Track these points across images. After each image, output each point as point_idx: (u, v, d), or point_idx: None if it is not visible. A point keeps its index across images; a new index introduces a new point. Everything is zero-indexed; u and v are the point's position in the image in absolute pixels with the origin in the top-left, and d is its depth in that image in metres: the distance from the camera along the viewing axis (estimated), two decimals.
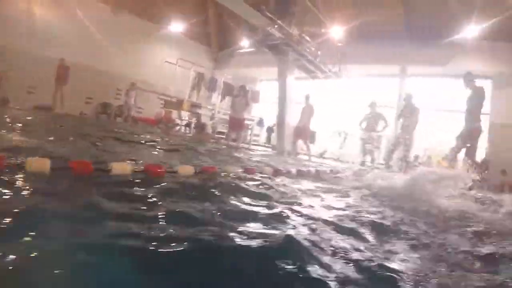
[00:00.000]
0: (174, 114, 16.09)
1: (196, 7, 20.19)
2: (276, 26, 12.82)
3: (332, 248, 1.88)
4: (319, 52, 14.79)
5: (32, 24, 14.81)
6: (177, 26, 18.63)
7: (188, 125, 16.14)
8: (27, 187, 2.06)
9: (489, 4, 13.46)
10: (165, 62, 13.95)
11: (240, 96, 12.16)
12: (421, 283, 1.62)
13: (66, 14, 15.76)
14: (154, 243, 1.51)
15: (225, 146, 10.66)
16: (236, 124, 12.20)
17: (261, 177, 4.33)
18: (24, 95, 14.20)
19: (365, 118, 12.00)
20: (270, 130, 20.42)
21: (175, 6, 18.62)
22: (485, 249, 2.31)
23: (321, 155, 16.31)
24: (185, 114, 15.84)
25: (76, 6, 15.97)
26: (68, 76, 13.87)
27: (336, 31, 16.04)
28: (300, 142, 12.67)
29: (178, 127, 15.37)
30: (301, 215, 2.60)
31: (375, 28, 16.11)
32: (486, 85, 14.11)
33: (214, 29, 20.63)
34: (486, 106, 13.32)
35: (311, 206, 3.05)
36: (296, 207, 2.84)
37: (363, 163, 11.71)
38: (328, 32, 15.73)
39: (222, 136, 14.85)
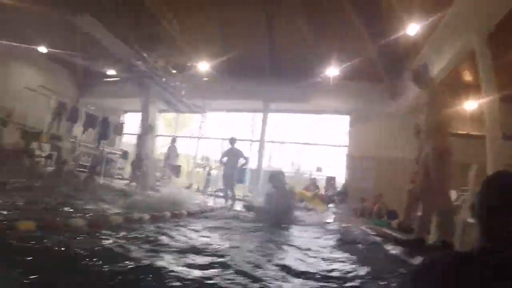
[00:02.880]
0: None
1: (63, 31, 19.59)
2: (140, 58, 13.28)
3: None
4: (184, 85, 15.46)
5: None
6: (41, 48, 17.92)
7: (49, 157, 15.69)
8: None
9: (346, 48, 15.26)
10: (24, 88, 13.52)
11: None
12: None
13: None
14: None
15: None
16: None
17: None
18: None
19: (225, 153, 12.81)
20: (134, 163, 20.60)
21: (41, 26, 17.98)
22: None
23: (187, 188, 16.98)
24: (46, 146, 15.47)
25: None
26: None
27: (202, 66, 16.90)
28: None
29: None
30: None
31: (241, 64, 17.05)
32: (345, 120, 16.26)
33: (79, 54, 20.21)
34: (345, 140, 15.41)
35: None
36: None
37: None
38: (194, 65, 16.52)
39: (84, 170, 14.77)
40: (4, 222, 3.29)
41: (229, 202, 11.89)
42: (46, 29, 16.11)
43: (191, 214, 6.80)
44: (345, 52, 15.41)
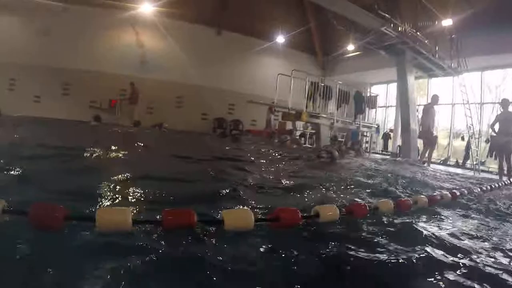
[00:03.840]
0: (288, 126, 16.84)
1: (298, 18, 20.71)
2: (391, 25, 12.78)
3: None
4: (436, 48, 14.43)
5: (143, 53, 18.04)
6: (280, 39, 19.29)
7: (302, 135, 16.58)
8: None
9: None
10: (279, 75, 14.36)
11: None
12: None
13: (172, 42, 18.34)
14: None
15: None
16: None
17: None
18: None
19: (496, 119, 10.99)
20: (386, 136, 20.17)
21: (277, 20, 19.41)
22: None
23: (444, 162, 15.90)
24: (299, 125, 16.38)
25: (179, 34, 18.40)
26: (138, 97, 16.44)
27: (448, 22, 15.33)
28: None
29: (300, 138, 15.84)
30: None
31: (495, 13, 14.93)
32: None
33: (318, 37, 20.97)
34: None
35: None
36: None
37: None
38: (440, 24, 15.17)
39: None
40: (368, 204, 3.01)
41: (504, 178, 9.74)
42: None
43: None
44: None
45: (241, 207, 2.86)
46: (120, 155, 5.55)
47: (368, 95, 17.03)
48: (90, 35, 17.42)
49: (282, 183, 4.52)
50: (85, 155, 4.97)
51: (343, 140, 16.10)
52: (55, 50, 16.81)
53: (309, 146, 15.21)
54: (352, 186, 4.70)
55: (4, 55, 16.08)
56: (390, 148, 19.53)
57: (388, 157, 15.27)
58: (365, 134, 17.11)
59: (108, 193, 2.94)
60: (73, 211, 1.88)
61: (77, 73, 17.08)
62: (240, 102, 18.45)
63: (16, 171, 3.38)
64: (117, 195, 2.91)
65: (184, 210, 2.04)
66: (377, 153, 16.24)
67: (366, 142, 17.72)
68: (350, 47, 18.88)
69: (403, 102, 13.35)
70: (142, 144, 7.52)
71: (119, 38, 18.10)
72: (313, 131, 15.76)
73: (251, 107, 17.25)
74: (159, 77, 17.87)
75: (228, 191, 3.48)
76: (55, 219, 1.76)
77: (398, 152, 16.10)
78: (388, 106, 21.34)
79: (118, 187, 3.21)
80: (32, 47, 16.67)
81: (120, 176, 3.62)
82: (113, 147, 5.95)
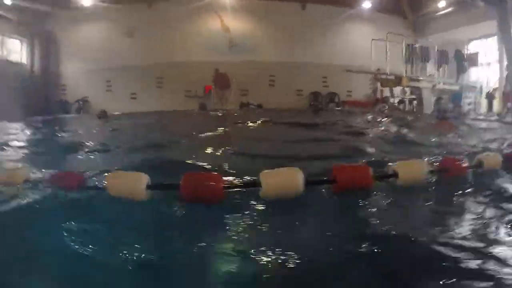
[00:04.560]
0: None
1: None
2: None
3: None
4: None
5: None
6: (366, 3, 18.58)
7: (401, 102, 15.96)
8: None
9: None
10: (373, 40, 13.90)
11: None
12: None
13: (257, 22, 18.63)
14: None
15: None
16: None
17: None
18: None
19: None
20: (490, 96, 18.72)
21: None
22: None
23: None
24: (396, 91, 15.72)
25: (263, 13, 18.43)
26: (228, 81, 16.90)
27: None
28: None
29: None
30: None
31: None
32: None
33: None
34: None
35: None
36: None
37: None
38: None
39: None
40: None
41: None
42: None
43: None
44: None
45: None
46: None
47: (467, 52, 15.99)
48: (175, 27, 18.12)
49: None
50: None
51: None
52: (143, 47, 17.79)
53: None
54: None
55: (98, 60, 17.58)
56: (494, 109, 18.16)
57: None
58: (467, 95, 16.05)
59: None
60: None
61: (168, 66, 17.87)
62: (333, 74, 18.15)
63: None
64: None
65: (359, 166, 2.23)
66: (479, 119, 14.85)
67: (469, 104, 16.65)
68: (441, 3, 17.76)
69: (510, 56, 12.32)
70: None
71: (205, 26, 18.53)
72: (413, 97, 15.08)
73: (345, 79, 16.92)
74: (250, 58, 18.00)
75: None
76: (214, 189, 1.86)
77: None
78: (489, 63, 19.90)
79: None
80: (121, 48, 17.83)
81: None
82: None
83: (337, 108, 16.21)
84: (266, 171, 1.93)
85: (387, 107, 13.53)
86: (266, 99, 17.21)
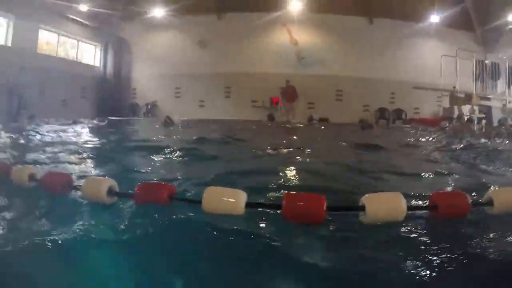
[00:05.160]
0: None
1: None
2: None
3: None
4: None
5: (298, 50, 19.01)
6: (434, 18, 18.49)
7: (469, 120, 15.73)
8: None
9: None
10: (442, 56, 13.89)
11: None
12: None
13: (325, 36, 19.14)
14: None
15: None
16: None
17: None
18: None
19: None
20: None
21: None
22: None
23: None
24: (465, 109, 15.52)
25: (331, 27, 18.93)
26: (296, 93, 16.86)
27: None
28: None
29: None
30: None
31: None
32: None
33: (473, 8, 19.52)
34: None
35: None
36: None
37: None
38: None
39: None
40: None
41: None
42: None
43: None
44: None
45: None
46: None
47: None
48: (244, 39, 18.95)
49: None
50: None
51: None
52: (212, 57, 18.87)
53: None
54: None
55: (168, 67, 18.82)
56: None
57: None
58: None
59: None
60: None
61: (236, 76, 18.72)
62: (400, 90, 18.34)
63: None
64: None
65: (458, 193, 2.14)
66: None
67: None
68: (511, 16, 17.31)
69: None
70: None
71: (273, 38, 19.22)
72: (482, 116, 14.85)
73: (413, 95, 17.05)
74: (317, 72, 18.49)
75: None
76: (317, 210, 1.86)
77: None
78: None
79: None
80: (191, 57, 19.06)
81: None
82: None
83: (405, 126, 16.08)
84: (369, 194, 1.93)
85: (448, 124, 13.35)
86: (333, 113, 17.66)
